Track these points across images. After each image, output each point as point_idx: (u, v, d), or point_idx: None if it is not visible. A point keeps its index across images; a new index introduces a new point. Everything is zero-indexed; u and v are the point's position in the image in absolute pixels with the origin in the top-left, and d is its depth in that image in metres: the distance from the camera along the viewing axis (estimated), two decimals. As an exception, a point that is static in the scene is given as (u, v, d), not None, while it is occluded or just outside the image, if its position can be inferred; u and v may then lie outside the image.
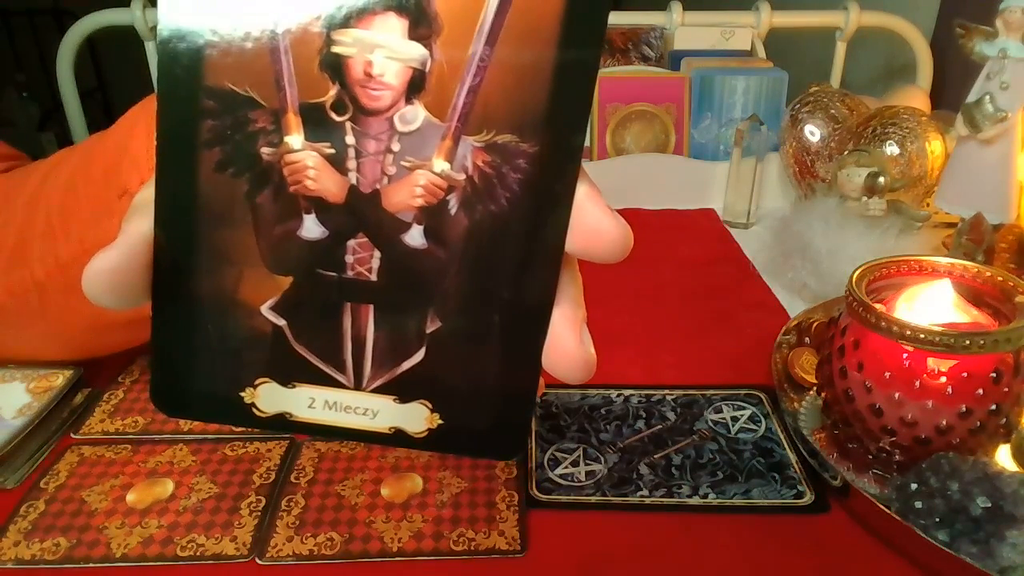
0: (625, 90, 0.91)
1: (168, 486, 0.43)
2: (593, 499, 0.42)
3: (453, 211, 0.19)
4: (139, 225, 0.19)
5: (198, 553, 0.38)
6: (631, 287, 0.68)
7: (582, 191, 0.19)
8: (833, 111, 0.80)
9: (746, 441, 0.47)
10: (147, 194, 0.20)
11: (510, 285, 0.19)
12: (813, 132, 0.80)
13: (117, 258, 0.19)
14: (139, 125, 0.39)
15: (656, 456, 0.45)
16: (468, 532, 0.39)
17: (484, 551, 0.38)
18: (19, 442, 0.44)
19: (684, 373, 0.54)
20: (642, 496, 0.42)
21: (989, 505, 0.35)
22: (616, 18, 1.01)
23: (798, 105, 0.83)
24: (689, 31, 0.97)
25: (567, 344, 0.20)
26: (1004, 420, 0.39)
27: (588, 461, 0.45)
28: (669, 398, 0.51)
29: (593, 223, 0.19)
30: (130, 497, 0.42)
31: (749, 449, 0.46)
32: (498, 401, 0.21)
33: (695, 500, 0.42)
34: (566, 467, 0.44)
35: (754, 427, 0.48)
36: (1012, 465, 0.42)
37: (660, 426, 0.48)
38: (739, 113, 0.90)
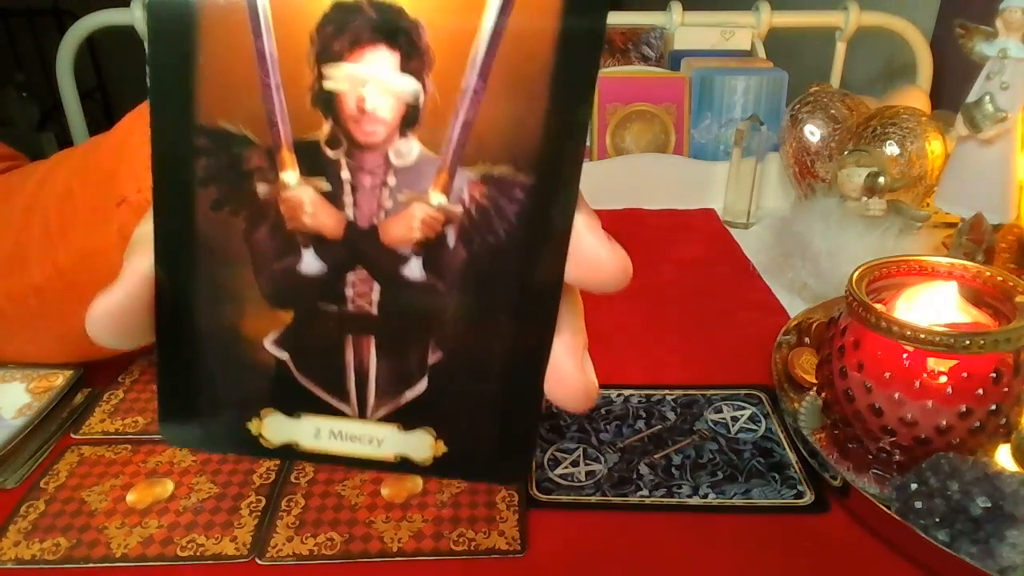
0: (625, 90, 0.91)
1: (168, 486, 0.43)
2: (593, 499, 0.42)
3: (451, 243, 0.19)
4: (139, 264, 0.19)
5: (198, 553, 0.38)
6: (631, 287, 0.68)
7: (580, 221, 0.19)
8: (833, 111, 0.80)
9: (746, 441, 0.47)
10: (146, 229, 0.19)
11: (510, 315, 0.19)
12: (813, 132, 0.80)
13: (119, 299, 0.19)
14: (135, 133, 0.39)
15: (656, 456, 0.45)
16: (468, 532, 0.39)
17: (484, 551, 0.38)
18: (19, 442, 0.44)
19: (684, 373, 0.54)
20: (642, 496, 0.42)
21: (989, 505, 0.35)
22: (616, 18, 1.01)
23: (798, 105, 0.83)
24: (689, 31, 0.97)
25: (568, 372, 0.20)
26: (1004, 420, 0.39)
27: (588, 461, 0.45)
28: (669, 398, 0.51)
29: (591, 254, 0.19)
30: (130, 497, 0.42)
31: (749, 449, 0.46)
32: (502, 428, 0.21)
33: (695, 500, 0.42)
34: (566, 467, 0.44)
35: (754, 427, 0.48)
36: (1012, 465, 0.42)
37: (660, 426, 0.48)
38: (739, 113, 0.90)
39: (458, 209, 0.19)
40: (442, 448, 0.21)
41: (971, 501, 0.35)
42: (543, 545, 0.39)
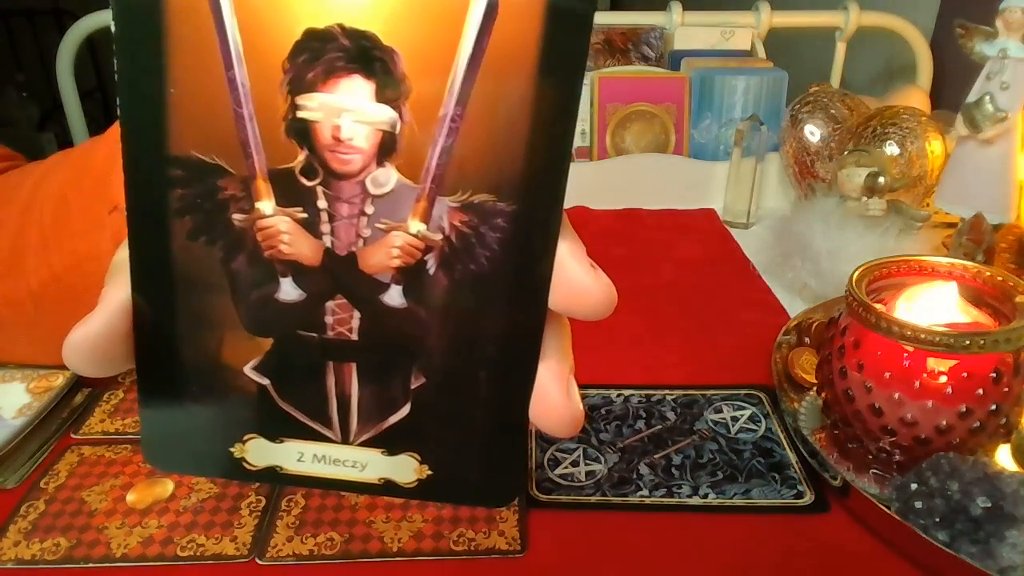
0: (625, 90, 0.91)
1: (168, 486, 0.43)
2: (593, 499, 0.42)
3: (432, 271, 0.19)
4: (117, 293, 0.19)
5: (198, 553, 0.38)
6: (631, 287, 0.68)
7: (564, 249, 0.19)
8: (833, 111, 0.80)
9: (746, 441, 0.47)
10: (125, 255, 0.19)
11: (494, 341, 0.19)
12: (813, 132, 0.80)
13: (96, 329, 0.19)
14: None
15: (656, 456, 0.45)
16: (468, 532, 0.39)
17: (484, 551, 0.38)
18: (19, 442, 0.44)
19: (684, 373, 0.54)
20: (642, 496, 0.42)
21: (989, 505, 0.35)
22: (616, 18, 1.01)
23: (798, 105, 0.83)
24: (689, 31, 0.97)
25: (553, 399, 0.20)
26: (1004, 420, 0.39)
27: (588, 461, 0.45)
28: (669, 398, 0.51)
29: (575, 282, 0.19)
30: (130, 497, 0.42)
31: (749, 449, 0.46)
32: (486, 453, 0.21)
33: (695, 500, 0.42)
34: (566, 467, 0.44)
35: (754, 427, 0.48)
36: (1012, 465, 0.42)
37: (660, 426, 0.48)
38: (739, 113, 0.90)
39: (438, 237, 0.19)
40: (426, 472, 0.21)
41: (971, 501, 0.35)
42: (543, 545, 0.39)
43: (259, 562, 0.38)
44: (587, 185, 0.87)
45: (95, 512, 0.41)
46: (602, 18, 0.99)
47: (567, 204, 0.18)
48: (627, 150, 0.92)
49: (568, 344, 0.20)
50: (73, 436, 0.47)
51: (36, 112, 2.56)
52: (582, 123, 0.92)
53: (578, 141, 0.92)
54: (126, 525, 0.40)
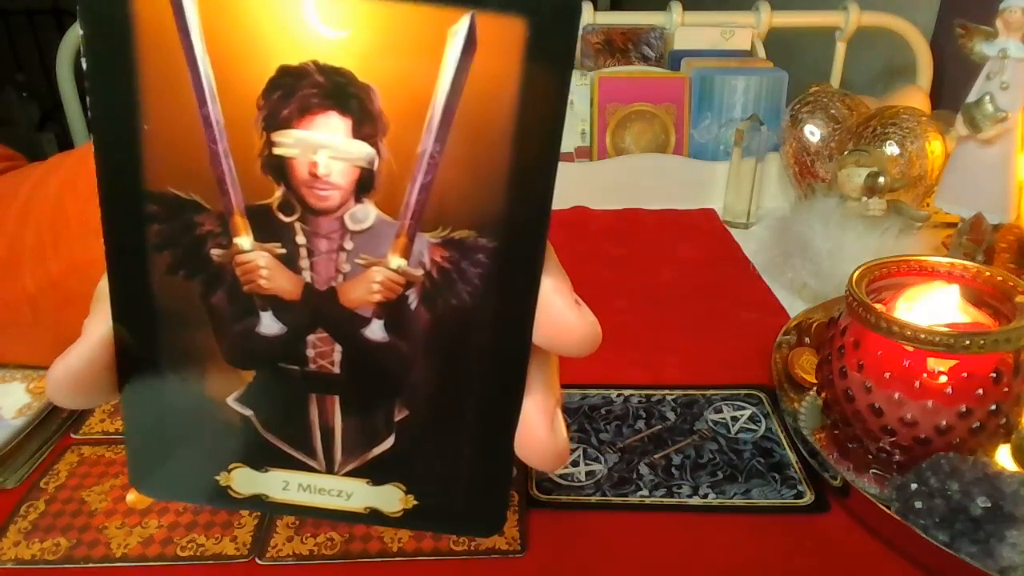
0: (625, 90, 0.91)
1: (168, 486, 0.43)
2: (593, 499, 0.42)
3: (413, 306, 0.19)
4: (98, 327, 0.19)
5: (198, 553, 0.38)
6: (631, 287, 0.68)
7: (548, 285, 0.18)
8: (833, 111, 0.80)
9: (746, 441, 0.47)
10: (107, 285, 0.19)
11: (478, 375, 0.19)
12: (813, 132, 0.80)
13: (79, 363, 0.19)
14: None
15: (656, 456, 0.45)
16: (468, 532, 0.39)
17: (484, 551, 0.38)
18: (19, 442, 0.44)
19: (684, 373, 0.54)
20: (642, 496, 0.42)
21: (989, 505, 0.35)
22: (616, 18, 1.01)
23: (798, 105, 0.83)
24: (689, 31, 0.97)
25: (538, 433, 0.19)
26: (1004, 420, 0.39)
27: (588, 461, 0.45)
28: (669, 398, 0.51)
29: (558, 318, 0.19)
30: (130, 497, 0.42)
31: (749, 449, 0.46)
32: (472, 484, 0.21)
33: (695, 500, 0.42)
34: (566, 467, 0.44)
35: (754, 427, 0.48)
36: (1012, 465, 0.42)
37: (660, 426, 0.48)
38: (739, 113, 0.90)
39: (419, 272, 0.18)
40: (412, 501, 0.21)
41: (971, 501, 0.35)
42: (543, 545, 0.39)
43: (259, 562, 0.38)
44: (587, 185, 0.87)
45: (95, 512, 0.41)
46: (602, 18, 0.99)
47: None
48: (627, 150, 0.92)
49: (554, 377, 0.20)
50: (73, 436, 0.47)
51: (36, 112, 2.56)
52: (582, 123, 0.92)
53: (578, 141, 0.92)
54: (126, 525, 0.40)
